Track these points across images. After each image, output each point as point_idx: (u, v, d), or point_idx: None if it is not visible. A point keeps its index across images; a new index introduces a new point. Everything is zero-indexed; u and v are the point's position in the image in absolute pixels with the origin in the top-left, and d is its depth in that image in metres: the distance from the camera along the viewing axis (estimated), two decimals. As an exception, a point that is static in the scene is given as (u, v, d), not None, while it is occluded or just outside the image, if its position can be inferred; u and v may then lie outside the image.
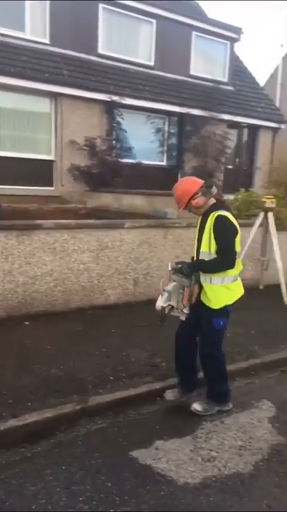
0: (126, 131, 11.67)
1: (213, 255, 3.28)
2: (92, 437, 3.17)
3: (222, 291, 3.32)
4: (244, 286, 6.94)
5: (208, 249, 3.30)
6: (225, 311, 3.36)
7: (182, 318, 3.37)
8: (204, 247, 3.34)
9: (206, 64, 13.34)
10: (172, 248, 6.36)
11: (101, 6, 11.22)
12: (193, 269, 3.32)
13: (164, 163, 12.77)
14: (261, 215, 6.58)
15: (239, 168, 14.17)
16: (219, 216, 3.24)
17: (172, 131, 12.80)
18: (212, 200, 3.38)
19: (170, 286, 3.35)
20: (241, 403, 3.69)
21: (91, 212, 9.64)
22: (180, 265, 3.34)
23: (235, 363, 4.35)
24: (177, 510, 2.47)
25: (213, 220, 3.24)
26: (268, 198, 6.56)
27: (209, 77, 13.21)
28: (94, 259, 5.76)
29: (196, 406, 3.50)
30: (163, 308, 3.30)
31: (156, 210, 10.35)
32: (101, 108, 11.10)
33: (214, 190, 3.39)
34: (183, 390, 3.66)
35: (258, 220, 6.58)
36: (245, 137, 14.46)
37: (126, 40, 11.95)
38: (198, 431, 3.27)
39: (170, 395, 3.64)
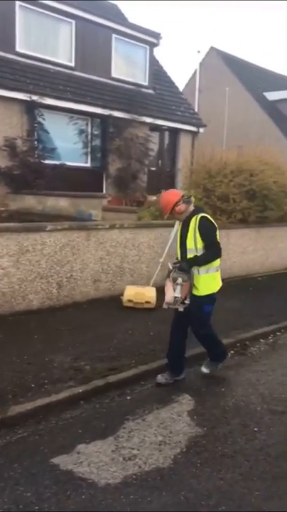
0: (48, 132, 11.45)
1: (200, 250, 3.91)
2: (12, 448, 3.08)
3: (208, 280, 3.97)
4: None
5: (194, 246, 3.91)
6: (212, 298, 4.03)
7: (181, 309, 3.93)
8: (189, 245, 3.95)
9: (127, 67, 13.51)
10: (96, 250, 6.36)
11: (18, 3, 10.90)
12: (191, 265, 3.92)
13: (88, 164, 12.71)
14: (181, 215, 6.79)
15: (162, 170, 14.52)
16: (202, 217, 3.92)
17: (96, 132, 12.78)
18: (192, 207, 4.05)
19: (179, 280, 3.86)
20: (162, 399, 3.79)
21: (14, 215, 9.33)
22: (179, 264, 3.97)
23: (158, 360, 4.45)
24: (97, 512, 2.48)
25: (197, 221, 3.89)
26: (186, 199, 6.78)
27: (131, 80, 13.39)
28: (14, 263, 5.58)
29: (203, 369, 4.28)
30: (176, 298, 3.87)
31: (80, 212, 10.27)
32: (20, 108, 10.78)
33: (192, 199, 4.15)
34: (173, 374, 4.15)
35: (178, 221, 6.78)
36: (167, 140, 14.85)
37: (45, 40, 11.73)
38: (120, 431, 3.31)
39: (161, 378, 4.09)
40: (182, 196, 4.05)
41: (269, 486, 2.75)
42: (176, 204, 3.98)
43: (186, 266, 3.91)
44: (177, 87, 15.94)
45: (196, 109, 16.27)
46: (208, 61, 21.74)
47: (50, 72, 11.60)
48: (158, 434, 3.27)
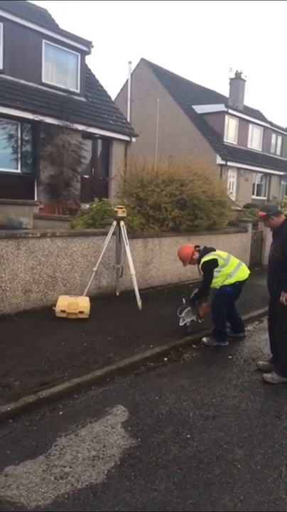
0: (-27, 136, 10.94)
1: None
2: None
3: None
4: (100, 294, 7.10)
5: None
6: (230, 285, 5.63)
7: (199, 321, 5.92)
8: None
9: (58, 73, 13.34)
10: (26, 259, 6.14)
11: None
12: (193, 300, 5.80)
13: (18, 170, 12.32)
14: (114, 224, 6.79)
15: (95, 178, 14.45)
16: (203, 263, 5.61)
17: (26, 138, 12.44)
18: (198, 254, 5.78)
19: (189, 309, 5.79)
20: (95, 412, 3.71)
21: None
22: (187, 300, 5.84)
23: (91, 372, 4.37)
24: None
25: (201, 264, 5.65)
26: (119, 208, 6.79)
27: (62, 86, 13.24)
28: None
29: (204, 339, 5.60)
30: (188, 320, 5.80)
31: (10, 220, 9.90)
32: None
33: (200, 248, 5.85)
34: (234, 332, 5.98)
35: (111, 229, 6.78)
36: (100, 148, 14.85)
37: (-29, 40, 11.24)
38: (52, 448, 3.18)
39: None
40: (194, 248, 5.81)
41: (202, 492, 2.78)
42: (193, 254, 5.77)
43: (190, 301, 5.78)
44: (109, 96, 16.02)
45: (128, 119, 16.45)
46: (139, 72, 22.19)
47: (-24, 73, 11.12)
48: (92, 449, 3.19)
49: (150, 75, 22.48)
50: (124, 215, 6.82)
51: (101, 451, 3.17)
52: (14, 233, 6.22)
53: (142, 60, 22.95)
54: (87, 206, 9.22)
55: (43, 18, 13.94)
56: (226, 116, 22.15)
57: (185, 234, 8.72)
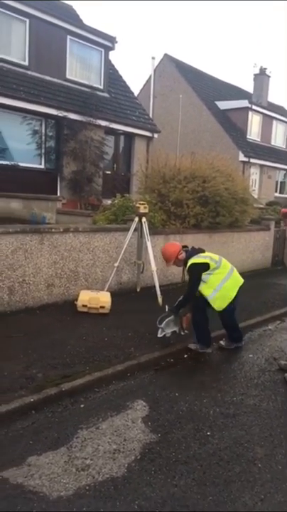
0: (-1, 132, 11.13)
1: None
2: None
3: (218, 299, 5.07)
4: (121, 290, 7.15)
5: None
6: (229, 306, 5.12)
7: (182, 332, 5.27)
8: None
9: (82, 69, 13.44)
10: (50, 254, 6.22)
11: None
12: (177, 308, 5.10)
13: (42, 166, 12.48)
14: (136, 220, 6.81)
15: (117, 174, 14.51)
16: (190, 265, 5.01)
17: (50, 134, 12.58)
18: (184, 254, 5.17)
19: (172, 318, 5.14)
20: (116, 406, 3.75)
21: None
22: (169, 309, 5.16)
23: (112, 366, 4.41)
24: (49, 527, 2.40)
25: (188, 266, 5.03)
26: (141, 204, 6.80)
27: (86, 82, 13.32)
28: None
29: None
30: (169, 331, 5.15)
31: (34, 215, 10.06)
32: None
33: (188, 248, 5.28)
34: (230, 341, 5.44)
35: (133, 225, 6.80)
36: (122, 144, 14.88)
37: (-2, 37, 11.41)
38: (73, 440, 3.23)
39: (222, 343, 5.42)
40: (181, 247, 5.21)
41: (222, 490, 2.78)
42: (179, 254, 5.14)
43: (174, 309, 5.10)
44: (132, 92, 16.03)
45: (151, 115, 16.43)
46: (162, 68, 22.10)
47: (2, 70, 11.29)
48: (112, 443, 3.22)
49: (173, 70, 22.36)
50: (146, 211, 6.83)
51: (121, 444, 3.21)
52: (38, 228, 6.31)
53: (165, 55, 22.85)
54: (109, 202, 9.26)
55: (68, 14, 14.02)
56: (250, 113, 21.88)
57: (207, 231, 8.68)
